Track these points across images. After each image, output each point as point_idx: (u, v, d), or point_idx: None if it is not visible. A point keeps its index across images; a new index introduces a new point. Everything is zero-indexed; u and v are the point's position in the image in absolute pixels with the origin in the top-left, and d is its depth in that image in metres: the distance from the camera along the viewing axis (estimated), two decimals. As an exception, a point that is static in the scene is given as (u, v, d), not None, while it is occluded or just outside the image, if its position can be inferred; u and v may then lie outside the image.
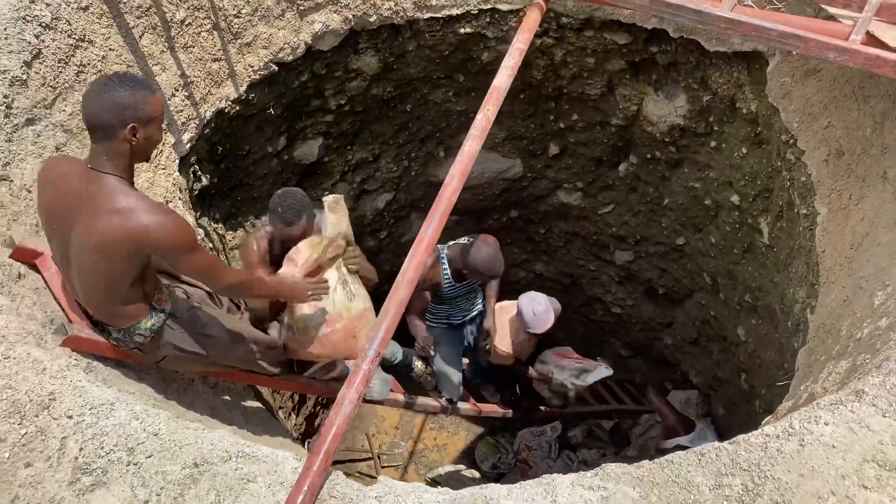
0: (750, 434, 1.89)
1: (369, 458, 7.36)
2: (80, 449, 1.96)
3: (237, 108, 4.53)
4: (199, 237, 4.29)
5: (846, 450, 1.75)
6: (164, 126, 2.59)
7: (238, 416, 3.45)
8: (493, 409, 5.32)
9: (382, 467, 7.49)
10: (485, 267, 4.05)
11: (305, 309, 3.18)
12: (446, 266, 4.32)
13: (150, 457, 1.95)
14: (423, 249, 2.17)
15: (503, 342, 4.80)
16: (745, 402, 5.88)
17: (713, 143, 5.18)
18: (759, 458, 1.80)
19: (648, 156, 5.73)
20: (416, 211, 6.70)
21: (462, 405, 4.99)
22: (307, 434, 7.21)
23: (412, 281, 2.13)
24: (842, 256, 3.43)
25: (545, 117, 5.88)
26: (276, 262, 3.57)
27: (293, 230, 3.39)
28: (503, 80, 2.69)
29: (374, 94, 5.39)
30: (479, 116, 2.57)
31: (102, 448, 1.96)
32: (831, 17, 2.76)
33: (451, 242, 4.39)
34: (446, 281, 4.39)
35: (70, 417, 2.01)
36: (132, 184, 2.43)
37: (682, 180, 5.69)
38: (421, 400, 4.80)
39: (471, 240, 4.28)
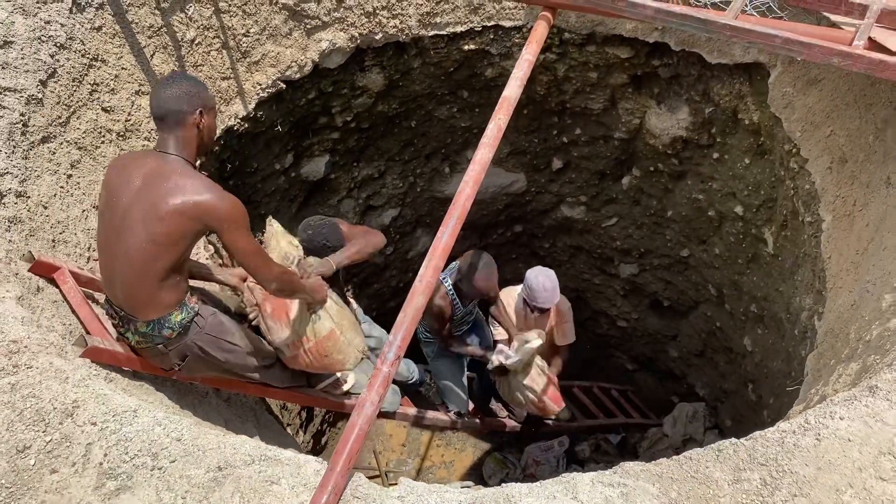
0: (766, 430, 1.91)
1: (376, 476, 7.34)
2: (105, 455, 1.98)
3: (246, 125, 4.59)
4: (209, 253, 4.33)
5: (862, 443, 1.77)
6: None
7: (251, 428, 3.47)
8: (500, 424, 5.33)
9: (389, 484, 7.47)
10: (475, 273, 4.11)
11: (278, 333, 3.22)
12: (454, 293, 4.36)
13: (174, 461, 1.97)
14: (440, 255, 2.21)
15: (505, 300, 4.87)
16: (753, 413, 5.88)
17: (716, 155, 5.23)
18: (776, 453, 1.82)
19: (651, 168, 5.78)
20: (422, 227, 6.75)
21: (470, 418, 5.00)
22: (314, 451, 7.21)
23: (430, 285, 2.16)
24: (848, 262, 3.46)
25: (548, 132, 5.95)
26: None
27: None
28: (513, 90, 2.74)
29: (380, 111, 5.46)
30: (490, 125, 2.61)
31: (127, 453, 1.98)
32: (833, 25, 2.82)
33: (448, 271, 4.43)
34: (457, 307, 4.43)
35: (94, 424, 2.03)
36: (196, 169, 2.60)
37: (686, 192, 5.74)
38: (430, 414, 4.82)
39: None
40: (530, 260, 7.59)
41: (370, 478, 7.30)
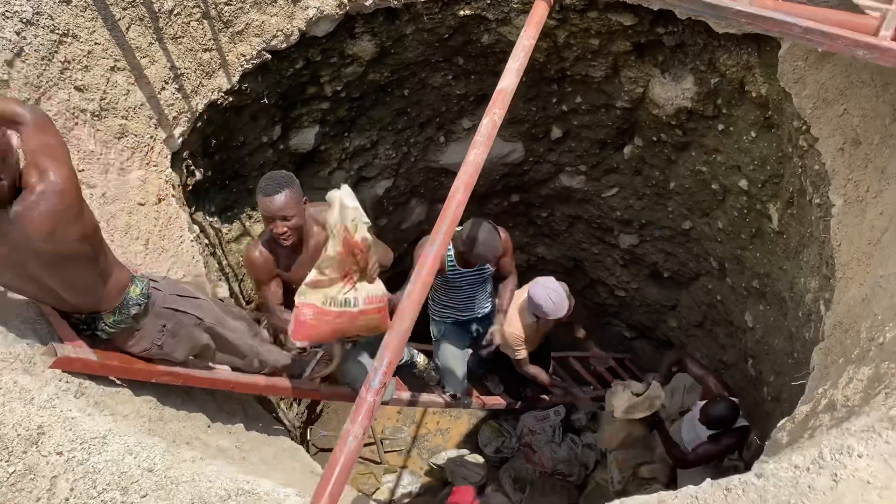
0: (778, 465, 1.79)
1: (372, 444, 7.32)
2: (72, 489, 1.85)
3: (230, 98, 4.37)
4: (193, 234, 4.15)
5: (883, 486, 1.65)
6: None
7: (238, 423, 3.36)
8: (496, 401, 5.25)
9: (385, 452, 7.46)
10: (475, 242, 3.97)
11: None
12: (450, 247, 4.21)
13: (144, 496, 1.85)
14: (427, 271, 2.05)
15: (514, 326, 4.70)
16: (753, 388, 5.81)
17: (721, 127, 5.03)
18: (789, 496, 1.70)
19: (654, 139, 5.58)
20: (416, 197, 6.57)
21: (466, 399, 4.91)
22: (309, 421, 7.17)
23: (418, 303, 2.01)
24: (859, 252, 3.31)
25: (547, 100, 5.73)
26: (283, 265, 3.44)
27: (275, 200, 3.17)
28: (510, 81, 2.53)
29: (372, 80, 5.23)
30: (484, 121, 2.40)
31: (95, 487, 1.86)
32: (857, 8, 2.60)
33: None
34: (450, 265, 4.27)
35: (60, 454, 1.91)
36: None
37: (689, 164, 5.55)
38: (424, 396, 4.72)
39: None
40: (528, 228, 7.44)
41: (366, 445, 7.32)
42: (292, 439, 5.74)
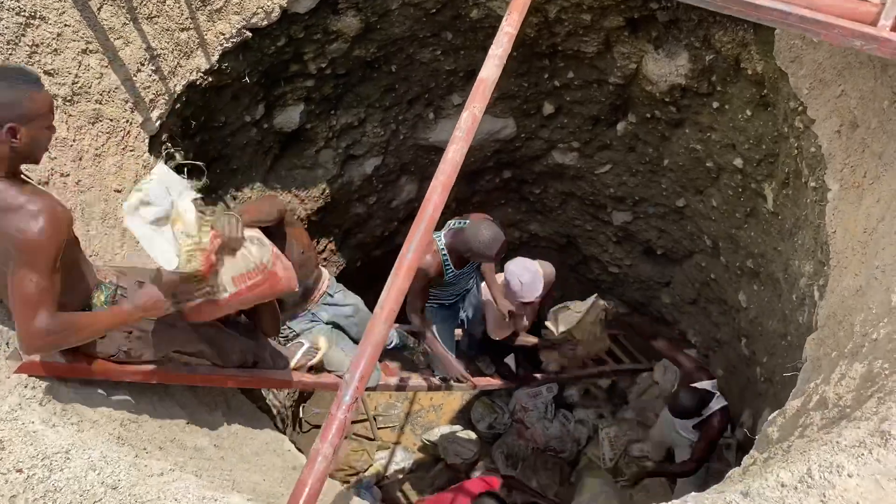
0: (764, 483, 1.72)
1: (365, 420, 7.30)
2: (31, 509, 1.79)
3: (209, 79, 4.23)
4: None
5: (872, 509, 1.59)
6: (54, 125, 2.23)
7: (219, 417, 3.29)
8: (488, 381, 5.20)
9: (378, 429, 7.45)
10: (489, 248, 3.81)
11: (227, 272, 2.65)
12: (446, 255, 4.07)
13: (107, 516, 1.78)
14: (403, 276, 1.96)
15: (499, 301, 4.66)
16: (746, 367, 5.77)
17: (716, 104, 4.91)
18: (775, 517, 1.64)
19: (648, 115, 5.46)
20: (406, 175, 6.45)
21: (456, 382, 4.85)
22: (301, 399, 7.14)
23: (393, 312, 1.92)
24: (854, 240, 3.22)
25: (539, 76, 5.58)
26: None
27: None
28: (490, 71, 2.39)
29: (357, 56, 5.08)
30: (463, 115, 2.28)
31: (55, 507, 1.79)
32: (856, -7, 2.48)
33: (444, 230, 4.12)
34: (448, 270, 4.16)
35: (20, 472, 1.83)
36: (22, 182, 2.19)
37: (683, 141, 5.43)
38: (413, 381, 4.66)
39: (462, 223, 4.05)
40: (520, 205, 7.33)
41: (358, 422, 7.31)
42: (281, 421, 5.73)
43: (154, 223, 2.33)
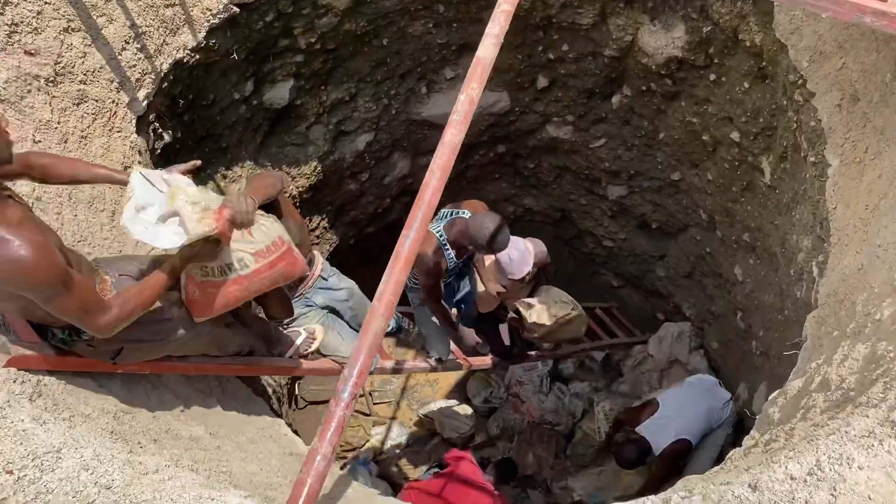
0: (773, 476, 1.69)
1: (361, 395, 7.29)
2: (23, 511, 1.74)
3: (197, 56, 4.13)
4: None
5: (885, 502, 1.56)
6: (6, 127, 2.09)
7: (214, 402, 3.25)
8: (482, 361, 5.17)
9: (374, 404, 7.45)
10: (495, 243, 3.75)
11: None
12: (449, 250, 3.98)
13: (102, 517, 1.74)
14: (401, 268, 1.90)
15: (488, 285, 4.62)
16: (742, 341, 5.76)
17: (713, 77, 4.84)
18: (784, 511, 1.61)
19: (643, 88, 5.38)
20: (399, 150, 6.36)
21: (451, 362, 4.83)
22: (297, 376, 7.11)
23: (391, 305, 1.87)
24: (856, 217, 3.18)
25: (533, 48, 5.49)
26: None
27: None
28: (488, 50, 2.31)
29: (347, 30, 4.97)
30: (460, 98, 2.20)
31: (49, 509, 1.75)
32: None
33: (441, 221, 4.01)
34: (451, 262, 4.07)
35: (10, 473, 1.78)
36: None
37: (679, 114, 5.36)
38: (409, 364, 4.64)
39: (456, 212, 3.96)
40: (514, 179, 7.26)
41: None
42: (277, 399, 5.71)
43: (160, 220, 2.31)
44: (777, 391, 3.00)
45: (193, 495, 1.79)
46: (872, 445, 1.68)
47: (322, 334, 3.73)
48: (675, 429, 4.90)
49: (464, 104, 2.16)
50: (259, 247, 2.71)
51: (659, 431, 4.89)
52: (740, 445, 2.85)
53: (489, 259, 4.55)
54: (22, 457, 1.83)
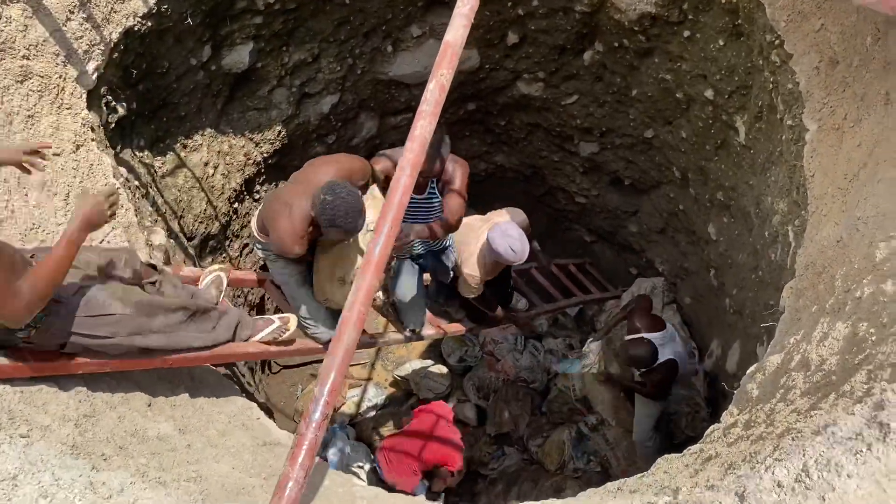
0: (759, 484, 1.65)
1: (335, 359, 7.22)
2: (-20, 546, 1.65)
3: (148, 23, 3.90)
4: (120, 180, 3.78)
5: (874, 512, 1.53)
6: None
7: (182, 392, 3.15)
8: (457, 328, 5.11)
9: (350, 366, 7.40)
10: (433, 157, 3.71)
11: None
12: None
13: (65, 549, 1.66)
14: (373, 271, 1.79)
15: (471, 268, 4.47)
16: (714, 297, 5.78)
17: (686, 33, 4.71)
18: (772, 522, 1.57)
19: (616, 44, 5.23)
20: (366, 111, 6.16)
21: (426, 331, 4.75)
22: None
23: (362, 317, 1.77)
24: (834, 186, 3.12)
25: (502, 3, 5.29)
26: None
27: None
28: (458, 33, 2.12)
29: (308, -12, 4.74)
30: (430, 86, 2.02)
31: (8, 541, 1.66)
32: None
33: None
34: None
35: (-35, 505, 1.69)
36: None
37: (652, 71, 5.24)
38: (383, 338, 4.57)
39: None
40: (485, 136, 7.11)
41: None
42: (250, 370, 5.62)
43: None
44: (755, 365, 2.98)
45: (161, 521, 1.70)
46: (861, 451, 1.65)
47: (295, 325, 3.63)
48: (670, 350, 5.10)
49: (433, 93, 2.01)
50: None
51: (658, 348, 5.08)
52: (719, 421, 2.84)
53: (475, 251, 4.36)
54: (-24, 487, 1.72)
